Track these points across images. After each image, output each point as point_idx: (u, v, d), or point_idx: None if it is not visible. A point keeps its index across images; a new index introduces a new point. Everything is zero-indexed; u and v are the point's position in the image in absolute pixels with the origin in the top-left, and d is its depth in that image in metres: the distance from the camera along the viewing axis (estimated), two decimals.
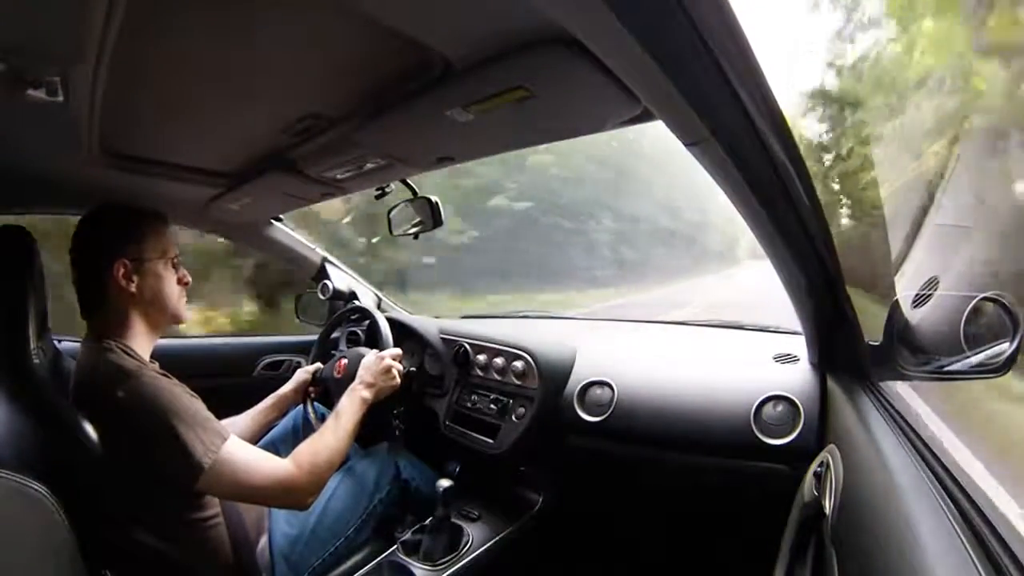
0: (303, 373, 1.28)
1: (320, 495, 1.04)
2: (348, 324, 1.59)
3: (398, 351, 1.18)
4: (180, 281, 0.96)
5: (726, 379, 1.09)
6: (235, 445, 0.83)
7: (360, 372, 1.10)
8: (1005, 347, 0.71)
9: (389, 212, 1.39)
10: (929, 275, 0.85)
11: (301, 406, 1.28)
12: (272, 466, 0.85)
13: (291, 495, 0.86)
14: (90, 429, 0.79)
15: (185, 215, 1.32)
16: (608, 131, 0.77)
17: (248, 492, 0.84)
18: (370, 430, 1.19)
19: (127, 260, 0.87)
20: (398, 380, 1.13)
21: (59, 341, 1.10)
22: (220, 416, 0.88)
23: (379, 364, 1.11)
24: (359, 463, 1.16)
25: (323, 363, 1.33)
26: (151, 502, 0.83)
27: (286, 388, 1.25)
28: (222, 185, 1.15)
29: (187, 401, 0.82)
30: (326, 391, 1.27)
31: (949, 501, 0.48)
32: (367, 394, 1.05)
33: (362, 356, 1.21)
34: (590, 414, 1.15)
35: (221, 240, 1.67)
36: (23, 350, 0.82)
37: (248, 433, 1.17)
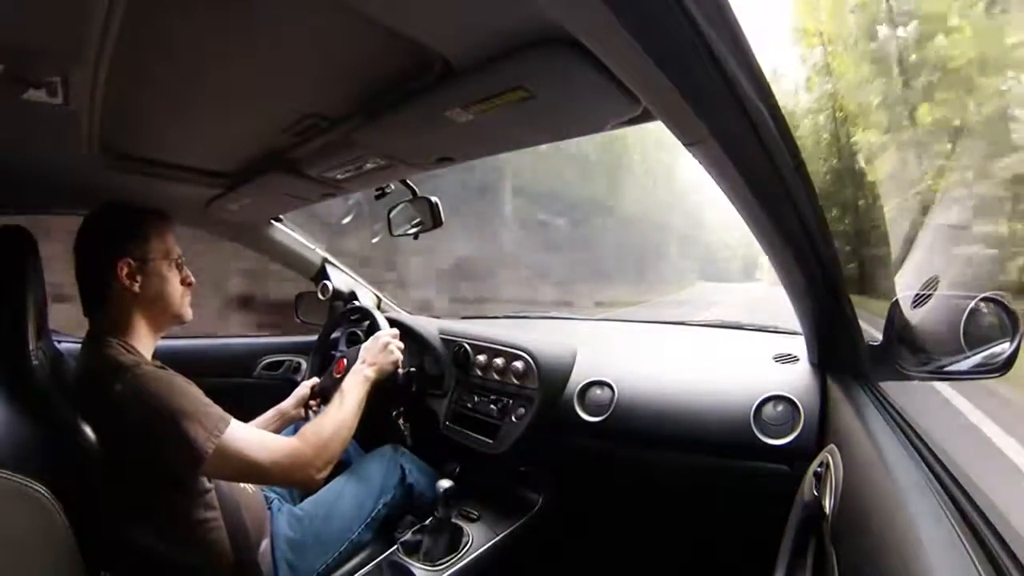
0: (304, 388, 1.27)
1: (325, 498, 1.03)
2: (348, 324, 1.59)
3: (395, 331, 1.20)
4: (183, 282, 0.96)
5: (726, 379, 1.09)
6: (238, 428, 0.83)
7: (360, 354, 1.12)
8: (1005, 347, 0.72)
9: (389, 212, 1.39)
10: (929, 275, 0.85)
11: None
12: (279, 443, 0.86)
13: (300, 470, 0.86)
14: (89, 429, 0.79)
15: (185, 215, 1.32)
16: (608, 131, 0.78)
17: (256, 471, 0.84)
18: (373, 433, 1.19)
19: (131, 260, 0.87)
20: (398, 355, 1.14)
21: (59, 341, 1.10)
22: None
23: (376, 343, 1.13)
24: (363, 466, 1.16)
25: (323, 367, 1.33)
26: (151, 502, 0.83)
27: (287, 403, 1.24)
28: (222, 185, 1.15)
29: (185, 389, 0.82)
30: (326, 392, 1.27)
31: (949, 501, 0.48)
32: (369, 372, 1.07)
33: None
34: (590, 414, 1.15)
35: None
36: (23, 351, 0.82)
37: None
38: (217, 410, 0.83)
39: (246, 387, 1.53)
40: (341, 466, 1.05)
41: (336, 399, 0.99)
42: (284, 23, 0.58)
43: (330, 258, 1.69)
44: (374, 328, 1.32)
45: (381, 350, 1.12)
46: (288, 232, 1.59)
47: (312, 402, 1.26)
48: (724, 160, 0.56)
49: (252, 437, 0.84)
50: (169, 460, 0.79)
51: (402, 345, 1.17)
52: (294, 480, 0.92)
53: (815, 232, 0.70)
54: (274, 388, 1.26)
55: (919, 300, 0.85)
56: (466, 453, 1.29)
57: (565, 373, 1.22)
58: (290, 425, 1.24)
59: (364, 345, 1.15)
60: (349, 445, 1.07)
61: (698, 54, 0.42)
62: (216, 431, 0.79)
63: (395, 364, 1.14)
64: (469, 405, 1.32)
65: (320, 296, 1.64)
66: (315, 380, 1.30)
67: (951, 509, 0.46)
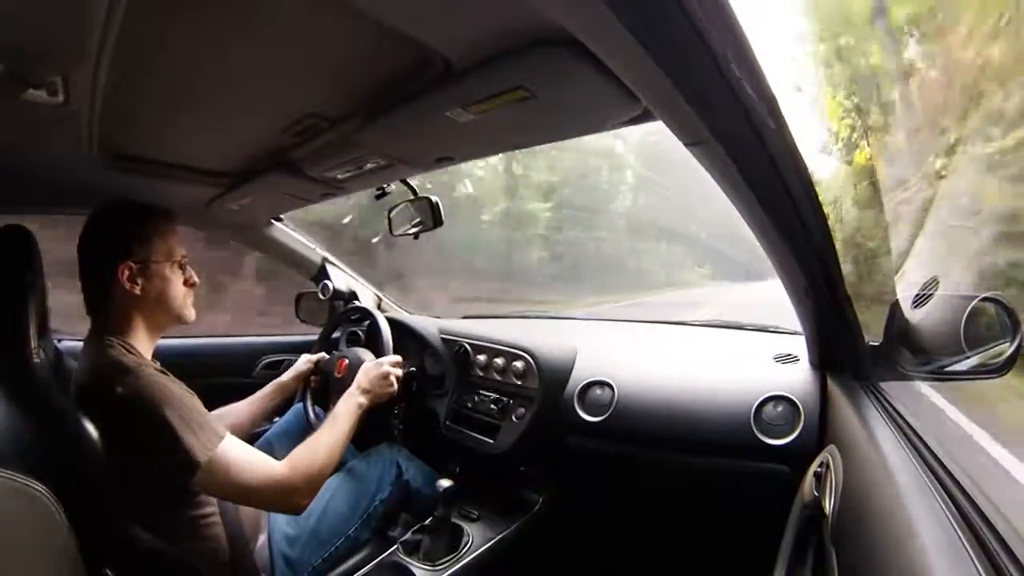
0: (305, 362, 1.29)
1: (321, 495, 1.04)
2: (348, 324, 1.59)
3: (397, 358, 1.18)
4: (186, 282, 0.96)
5: (726, 379, 1.09)
6: (231, 445, 0.83)
7: (358, 377, 1.10)
8: (1005, 347, 0.72)
9: (390, 212, 1.39)
10: (929, 276, 0.85)
11: (300, 405, 1.28)
12: (268, 468, 0.85)
13: (286, 499, 0.86)
14: (90, 428, 0.79)
15: (185, 215, 1.32)
16: (608, 131, 0.77)
17: (243, 492, 0.83)
18: (370, 430, 1.19)
19: (132, 263, 0.88)
20: (395, 387, 1.13)
21: (59, 341, 1.10)
22: None
23: (377, 370, 1.11)
24: (360, 463, 1.16)
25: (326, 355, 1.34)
26: (149, 500, 0.83)
27: (287, 376, 1.27)
28: (222, 185, 1.16)
29: (185, 398, 0.82)
30: (325, 387, 1.27)
31: (949, 501, 0.48)
32: (363, 400, 1.05)
33: (362, 359, 1.21)
34: (590, 414, 1.15)
35: None
36: (23, 350, 0.82)
37: (247, 417, 1.19)
38: (213, 423, 0.83)
39: (246, 387, 1.52)
40: (338, 465, 1.05)
41: (328, 424, 0.98)
42: (284, 23, 0.58)
43: (330, 258, 1.69)
44: (374, 328, 1.32)
45: (380, 379, 1.10)
46: (288, 232, 1.59)
47: (313, 377, 1.28)
48: (725, 160, 0.56)
49: (243, 458, 0.83)
50: (163, 467, 0.79)
51: (400, 373, 1.14)
52: (278, 508, 0.91)
53: (815, 232, 0.70)
54: None
55: (919, 300, 0.85)
56: (466, 453, 1.29)
57: (565, 373, 1.22)
58: (287, 399, 1.27)
59: (364, 367, 1.13)
60: None
61: (698, 54, 0.42)
62: (210, 444, 0.79)
63: (391, 395, 1.11)
64: (469, 405, 1.32)
65: (320, 296, 1.64)
66: (321, 355, 1.32)
67: (951, 509, 0.46)
